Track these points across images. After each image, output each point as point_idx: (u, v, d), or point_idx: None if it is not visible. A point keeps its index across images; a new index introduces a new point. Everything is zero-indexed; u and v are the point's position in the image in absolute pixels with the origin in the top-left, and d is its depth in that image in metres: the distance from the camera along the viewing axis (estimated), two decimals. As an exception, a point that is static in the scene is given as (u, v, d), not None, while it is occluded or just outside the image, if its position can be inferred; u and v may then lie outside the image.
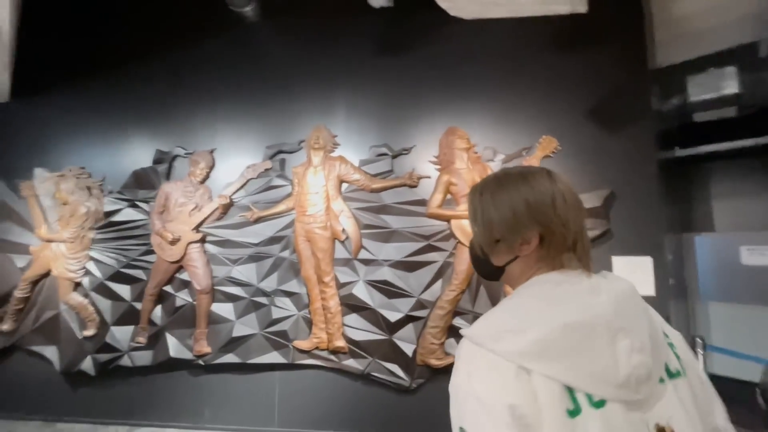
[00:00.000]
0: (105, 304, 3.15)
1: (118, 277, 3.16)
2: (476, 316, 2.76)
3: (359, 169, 3.01)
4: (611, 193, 2.72)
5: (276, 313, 2.96)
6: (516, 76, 2.96)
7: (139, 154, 3.31)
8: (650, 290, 2.68)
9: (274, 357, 2.92)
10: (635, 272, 2.70)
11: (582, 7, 2.88)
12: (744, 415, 3.00)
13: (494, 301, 2.78)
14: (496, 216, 0.73)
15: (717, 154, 4.39)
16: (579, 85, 2.90)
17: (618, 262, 2.73)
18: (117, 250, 3.19)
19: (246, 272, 3.03)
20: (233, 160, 3.19)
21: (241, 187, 3.12)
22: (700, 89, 3.74)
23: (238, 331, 2.97)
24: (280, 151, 3.14)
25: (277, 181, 3.10)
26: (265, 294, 2.99)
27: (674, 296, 3.06)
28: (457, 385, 0.62)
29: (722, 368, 3.21)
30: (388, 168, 2.99)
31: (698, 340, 2.70)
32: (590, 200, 2.73)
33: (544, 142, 2.85)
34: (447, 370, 2.75)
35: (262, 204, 3.08)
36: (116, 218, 3.22)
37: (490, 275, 0.81)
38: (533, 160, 2.84)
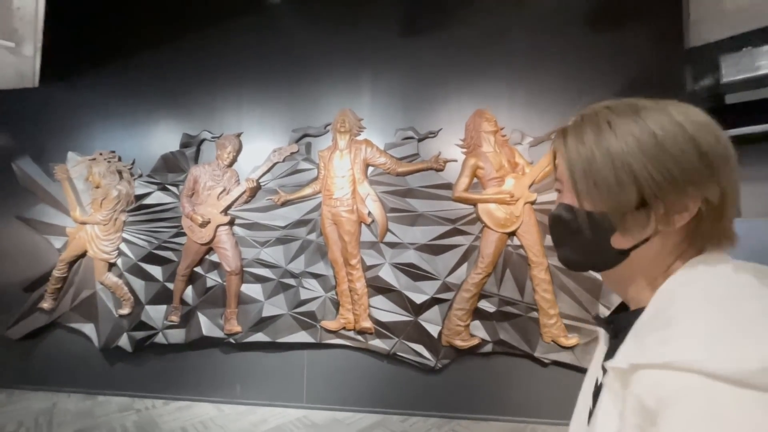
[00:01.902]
0: (139, 284, 3.27)
1: (151, 258, 3.26)
2: (502, 300, 2.80)
3: (385, 152, 3.01)
4: (642, 177, 2.68)
5: (304, 294, 3.03)
6: (545, 57, 2.90)
7: (167, 138, 3.36)
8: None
9: (302, 336, 3.01)
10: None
11: (616, -16, 2.79)
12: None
13: (520, 286, 2.80)
14: (643, 167, 0.45)
15: (751, 137, 4.26)
16: (610, 65, 2.83)
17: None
18: (149, 232, 3.28)
19: (274, 254, 3.09)
20: (259, 144, 3.23)
21: (268, 170, 3.16)
22: (735, 69, 3.62)
23: (268, 311, 3.06)
24: (306, 135, 3.15)
25: (304, 165, 3.13)
26: (293, 275, 3.06)
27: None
28: None
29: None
30: (414, 151, 2.99)
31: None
32: (620, 184, 2.70)
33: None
34: (472, 351, 2.81)
35: (289, 187, 3.12)
36: (147, 201, 3.30)
37: (597, 264, 0.52)
38: (562, 144, 2.79)
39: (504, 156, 2.85)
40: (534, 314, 2.76)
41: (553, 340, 2.72)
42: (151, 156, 3.36)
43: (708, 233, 0.46)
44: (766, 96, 4.09)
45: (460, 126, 2.96)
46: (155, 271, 3.26)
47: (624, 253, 0.49)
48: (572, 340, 2.69)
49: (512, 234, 2.81)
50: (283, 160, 3.14)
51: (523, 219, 2.78)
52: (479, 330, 2.83)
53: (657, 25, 2.79)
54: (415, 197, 2.96)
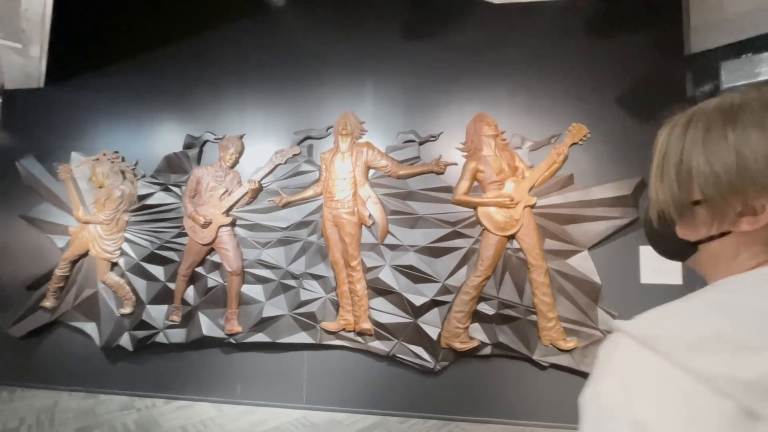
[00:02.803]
0: (140, 283, 3.29)
1: (153, 258, 3.28)
2: (501, 303, 2.81)
3: (386, 155, 3.04)
4: (641, 182, 2.71)
5: (304, 295, 3.05)
6: (546, 62, 2.93)
7: (170, 139, 3.39)
8: (678, 280, 2.68)
9: (302, 337, 3.03)
10: (665, 262, 2.68)
11: (617, -9, 2.82)
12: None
13: (520, 289, 2.82)
14: (705, 162, 0.46)
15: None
16: (610, 71, 2.85)
17: (646, 251, 2.72)
18: (151, 232, 3.31)
19: (275, 255, 3.12)
20: (262, 146, 3.25)
21: (270, 172, 3.18)
22: (735, 75, 3.63)
23: (268, 311, 3.08)
24: (308, 137, 3.18)
25: (305, 167, 3.15)
26: (293, 276, 3.08)
27: (700, 285, 3.03)
28: (600, 397, 0.38)
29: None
30: (415, 154, 3.02)
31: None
32: (620, 188, 2.72)
33: (573, 130, 2.83)
34: (471, 354, 2.82)
35: (291, 189, 3.15)
36: (149, 201, 3.33)
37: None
38: (562, 148, 2.82)
39: (504, 160, 2.87)
40: (533, 317, 2.78)
41: (551, 343, 2.73)
42: (155, 157, 3.39)
43: None
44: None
45: (460, 130, 2.98)
46: (157, 270, 3.28)
47: (690, 247, 0.51)
48: (571, 343, 2.71)
49: (512, 237, 2.83)
50: (285, 162, 3.17)
51: (523, 222, 2.80)
52: (478, 332, 2.85)
53: (657, 32, 2.82)
54: (416, 200, 2.98)
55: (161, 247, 3.28)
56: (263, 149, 3.24)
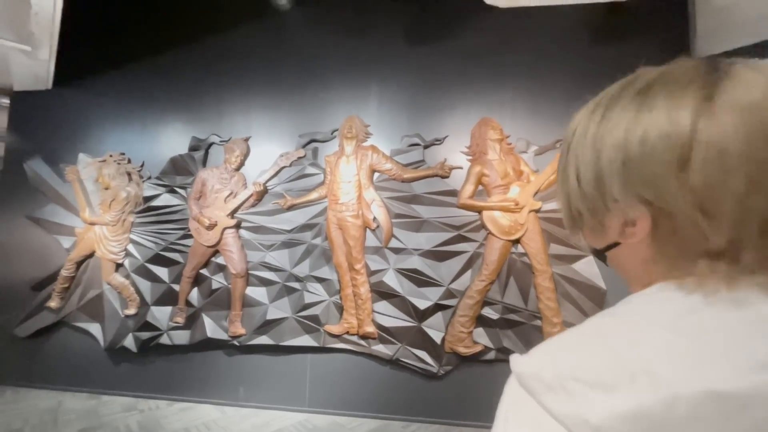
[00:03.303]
0: (145, 285, 3.30)
1: (158, 259, 3.30)
2: (505, 307, 2.80)
3: (391, 158, 3.04)
4: (647, 187, 2.69)
5: (308, 298, 3.05)
6: (551, 66, 2.93)
7: (176, 141, 3.42)
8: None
9: (305, 340, 3.03)
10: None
11: (622, -4, 2.82)
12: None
13: (524, 293, 2.81)
14: (580, 165, 0.40)
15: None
16: (616, 76, 2.83)
17: (651, 256, 2.71)
18: (156, 234, 3.32)
19: (279, 258, 3.12)
20: (267, 148, 3.27)
21: (275, 174, 3.20)
22: (740, 81, 3.60)
23: (272, 314, 3.08)
24: (313, 140, 3.19)
25: (310, 170, 3.16)
26: (297, 279, 3.08)
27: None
28: None
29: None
30: (420, 158, 3.02)
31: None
32: (625, 193, 2.71)
33: (579, 134, 2.82)
34: (475, 358, 2.81)
35: (295, 192, 3.16)
36: (155, 203, 3.34)
37: (593, 253, 0.47)
38: (567, 152, 2.81)
39: (509, 164, 2.87)
40: (537, 322, 2.76)
41: (556, 349, 2.71)
42: (160, 158, 3.41)
43: (674, 259, 0.37)
44: None
45: (465, 133, 2.99)
46: (161, 272, 3.29)
47: (599, 253, 0.45)
48: (575, 348, 2.68)
49: (517, 241, 2.82)
50: (290, 165, 3.18)
51: (528, 227, 2.79)
52: (482, 337, 2.84)
53: (664, 36, 2.82)
54: (421, 203, 2.98)
55: (166, 249, 3.29)
56: (268, 152, 3.25)
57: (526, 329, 2.78)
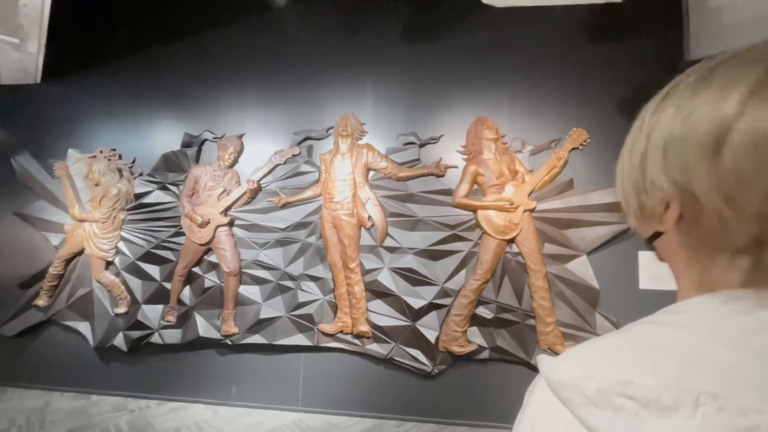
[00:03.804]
0: (136, 283, 3.25)
1: (149, 257, 3.25)
2: (500, 306, 2.81)
3: (386, 157, 3.03)
4: (641, 188, 2.70)
5: (302, 297, 3.03)
6: (547, 67, 2.93)
7: (168, 137, 3.37)
8: (674, 286, 2.68)
9: (299, 339, 3.00)
10: (661, 267, 2.68)
11: (618, -3, 2.83)
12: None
13: (518, 293, 2.81)
14: (634, 145, 0.40)
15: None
16: (611, 77, 2.86)
17: (644, 257, 2.73)
18: (147, 231, 3.27)
19: (273, 256, 3.09)
20: (261, 146, 3.23)
21: (269, 172, 3.16)
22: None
23: (265, 313, 3.05)
24: (308, 138, 3.16)
25: (305, 168, 3.14)
26: (291, 278, 3.06)
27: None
28: None
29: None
30: (415, 157, 3.01)
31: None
32: (619, 194, 2.72)
33: (573, 135, 2.83)
34: (469, 357, 2.81)
35: (290, 190, 3.13)
36: (147, 200, 3.29)
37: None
38: (562, 153, 2.83)
39: (504, 163, 2.87)
40: (531, 321, 2.77)
41: (549, 348, 2.73)
42: (152, 155, 3.36)
43: (697, 252, 0.35)
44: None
45: (461, 132, 2.98)
46: (153, 270, 3.25)
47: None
48: (568, 347, 2.69)
49: (511, 241, 2.82)
50: (285, 163, 3.15)
51: (522, 226, 2.79)
52: (476, 336, 2.84)
53: (659, 38, 2.83)
54: (416, 202, 2.97)
55: (158, 247, 3.24)
56: (262, 149, 3.22)
57: (519, 328, 2.79)
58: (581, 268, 2.76)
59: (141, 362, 3.23)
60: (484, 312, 2.83)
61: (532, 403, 0.34)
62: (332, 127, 3.13)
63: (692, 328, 0.31)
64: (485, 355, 2.81)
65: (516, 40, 2.99)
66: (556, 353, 2.71)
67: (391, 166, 3.00)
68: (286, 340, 3.02)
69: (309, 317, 3.01)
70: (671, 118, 0.35)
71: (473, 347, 2.80)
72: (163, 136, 3.39)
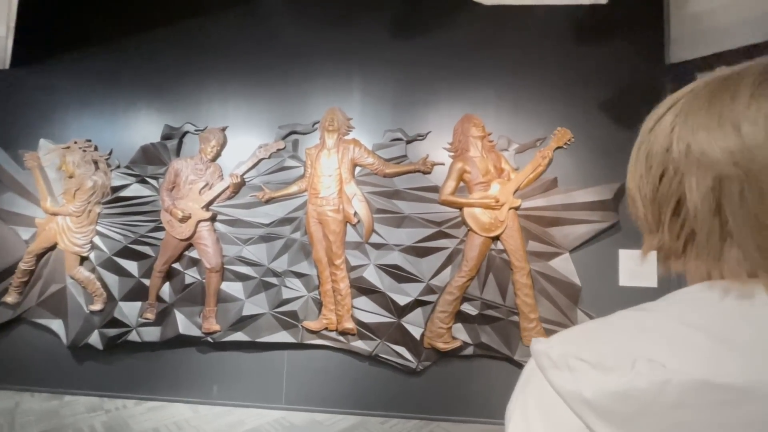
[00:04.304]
0: (112, 279, 3.14)
1: (126, 252, 3.14)
2: (484, 303, 2.83)
3: (373, 153, 3.00)
4: (622, 187, 2.77)
5: (286, 294, 2.98)
6: (533, 66, 2.96)
7: (147, 129, 3.25)
8: (653, 282, 2.76)
9: (283, 336, 2.96)
10: (641, 265, 2.76)
11: (603, -1, 2.87)
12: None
13: (503, 290, 2.84)
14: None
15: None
16: (595, 78, 2.90)
17: (624, 254, 2.79)
18: (125, 226, 3.16)
19: (256, 252, 3.03)
20: (245, 139, 3.16)
21: (253, 166, 3.10)
22: (708, 87, 3.77)
23: (248, 310, 2.99)
24: (293, 132, 3.11)
25: (290, 162, 3.08)
26: (275, 274, 3.01)
27: (672, 288, 3.13)
28: (510, 412, 0.38)
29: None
30: (402, 153, 2.99)
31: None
32: (601, 193, 2.78)
33: (558, 134, 2.87)
34: (453, 354, 2.83)
35: (274, 184, 3.07)
36: (124, 193, 3.18)
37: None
38: (546, 152, 2.86)
39: (490, 161, 2.89)
40: (515, 318, 2.80)
41: (532, 344, 2.76)
42: (130, 147, 3.24)
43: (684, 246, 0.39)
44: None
45: (448, 130, 2.98)
46: (130, 266, 3.14)
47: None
48: (551, 344, 2.74)
49: (496, 238, 2.84)
50: (269, 157, 3.09)
51: (508, 224, 2.82)
52: (461, 333, 2.86)
53: (641, 41, 2.89)
54: (402, 199, 2.96)
55: (136, 242, 3.14)
56: (246, 143, 3.15)
57: (503, 325, 2.82)
58: (564, 265, 2.81)
59: (118, 361, 3.13)
60: (468, 309, 2.85)
61: (523, 371, 0.40)
62: (318, 122, 3.08)
63: (661, 311, 0.36)
64: (469, 351, 2.84)
65: (503, 38, 3.00)
66: (538, 349, 2.75)
67: (377, 162, 2.97)
68: (269, 337, 2.97)
69: (293, 314, 2.97)
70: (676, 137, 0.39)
71: (458, 344, 2.82)
72: (142, 128, 3.27)
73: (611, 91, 2.89)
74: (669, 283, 2.77)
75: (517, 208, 2.83)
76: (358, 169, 3.02)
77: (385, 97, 3.07)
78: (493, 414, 2.80)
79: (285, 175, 3.08)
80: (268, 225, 3.04)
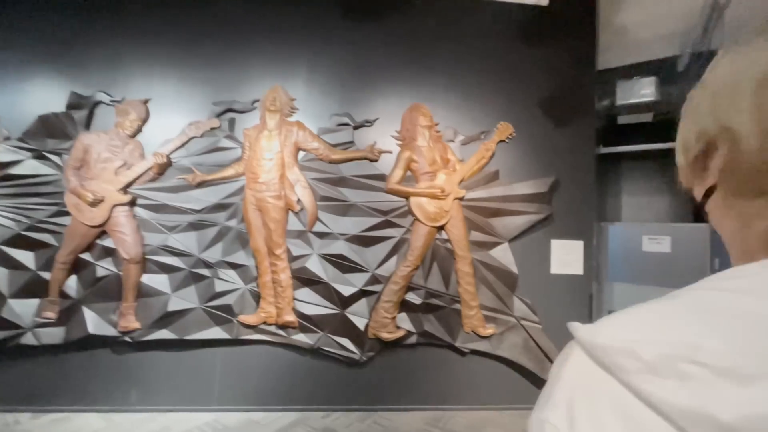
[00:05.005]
0: (1, 272, 2.63)
1: (19, 241, 2.64)
2: (428, 292, 2.85)
3: (318, 137, 2.85)
4: (556, 181, 2.95)
5: (219, 286, 2.74)
6: (481, 60, 3.01)
7: (47, 96, 2.75)
8: (579, 270, 2.99)
9: (215, 332, 2.72)
10: (569, 254, 2.99)
11: (544, 1, 3.01)
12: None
13: (446, 278, 2.89)
14: (696, 100, 0.38)
15: (630, 154, 5.03)
16: (535, 76, 3.04)
17: (556, 244, 2.99)
18: (17, 209, 2.65)
19: (185, 241, 2.74)
20: (172, 115, 2.82)
21: (182, 145, 2.78)
22: (626, 94, 4.19)
23: (175, 305, 2.70)
24: (230, 110, 2.84)
25: (226, 143, 2.81)
26: (207, 265, 2.74)
27: (595, 277, 3.44)
28: (543, 426, 0.29)
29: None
30: (349, 139, 2.89)
31: (611, 313, 3.10)
32: (538, 186, 2.93)
33: (501, 128, 2.96)
34: (397, 344, 2.82)
35: (206, 167, 2.78)
36: (16, 170, 2.66)
37: (700, 207, 0.39)
38: (490, 144, 2.94)
39: (437, 151, 2.90)
40: (457, 306, 2.87)
41: (472, 330, 2.86)
42: (25, 116, 2.71)
43: (735, 193, 0.34)
44: (647, 120, 4.82)
45: (396, 118, 2.93)
46: (25, 257, 2.65)
47: (702, 204, 0.38)
48: (489, 329, 2.86)
49: (441, 228, 2.87)
50: (201, 136, 2.79)
51: (452, 214, 2.86)
52: (405, 322, 2.86)
53: (575, 46, 3.08)
54: (348, 186, 2.86)
55: (31, 228, 2.65)
56: (174, 119, 2.81)
57: (446, 313, 2.87)
58: (502, 254, 2.93)
59: (8, 368, 2.64)
60: (413, 298, 2.86)
61: (567, 372, 0.30)
62: (258, 100, 2.85)
63: (755, 293, 0.27)
64: (413, 340, 2.85)
65: (454, 30, 3.02)
66: (478, 335, 2.86)
67: (323, 147, 2.83)
68: (199, 334, 2.71)
69: (227, 308, 2.74)
70: (724, 67, 0.35)
71: (402, 333, 2.81)
72: (41, 94, 2.76)
73: (548, 91, 3.05)
74: (590, 271, 3.03)
75: (461, 199, 2.88)
76: (302, 153, 2.86)
77: (333, 79, 2.92)
78: (434, 400, 2.85)
79: (219, 156, 2.81)
80: (199, 211, 2.75)
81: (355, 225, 2.83)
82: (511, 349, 2.88)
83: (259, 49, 2.88)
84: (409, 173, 2.90)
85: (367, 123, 2.91)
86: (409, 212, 2.86)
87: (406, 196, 2.86)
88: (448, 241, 2.89)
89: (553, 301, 2.92)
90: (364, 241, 2.84)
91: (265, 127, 2.80)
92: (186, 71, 2.84)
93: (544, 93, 3.04)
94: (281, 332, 2.77)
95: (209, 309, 2.72)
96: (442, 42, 2.99)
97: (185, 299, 2.72)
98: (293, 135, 2.81)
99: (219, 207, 2.77)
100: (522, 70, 3.03)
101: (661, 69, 3.97)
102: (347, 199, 2.84)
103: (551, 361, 2.86)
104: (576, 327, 0.31)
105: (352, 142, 2.89)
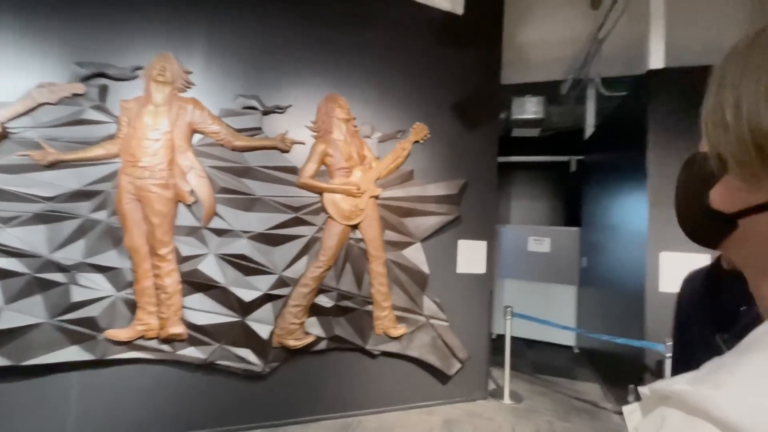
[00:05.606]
0: None
1: None
2: (340, 294, 2.71)
3: (219, 119, 2.48)
4: (465, 183, 3.08)
5: (79, 295, 2.17)
6: (400, 58, 2.99)
7: None
8: (483, 269, 3.18)
9: (72, 353, 2.15)
10: (474, 254, 3.15)
11: (459, 9, 3.13)
12: (525, 366, 3.97)
13: (359, 279, 2.78)
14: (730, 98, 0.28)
15: (521, 164, 5.65)
16: (448, 81, 3.14)
17: (462, 244, 3.12)
18: None
19: (28, 237, 2.10)
20: (13, 73, 2.14)
21: (27, 112, 2.12)
22: (518, 110, 4.67)
23: (9, 321, 2.05)
24: (101, 74, 2.27)
25: (93, 115, 2.25)
26: (61, 269, 2.15)
27: (493, 275, 3.71)
28: None
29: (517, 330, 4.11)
30: (257, 125, 2.58)
31: (508, 308, 3.38)
32: (449, 188, 3.02)
33: (416, 128, 2.98)
34: (304, 351, 2.61)
35: (64, 143, 2.18)
36: None
37: (696, 228, 0.35)
38: (406, 144, 2.93)
39: (354, 147, 2.78)
40: (369, 307, 2.78)
41: (384, 332, 2.80)
42: None
43: None
44: (532, 135, 5.45)
45: (310, 107, 2.73)
46: None
47: (729, 221, 0.30)
48: (400, 330, 2.84)
49: (355, 227, 2.76)
50: (57, 103, 2.18)
51: (367, 213, 2.77)
52: (315, 327, 2.66)
53: (483, 58, 3.26)
54: (254, 178, 2.55)
55: None
56: (14, 78, 2.14)
57: (358, 315, 2.76)
58: (415, 254, 2.94)
59: None
60: (324, 301, 2.68)
61: None
62: (142, 68, 2.34)
63: None
64: (323, 345, 2.68)
65: (377, 22, 2.93)
66: (389, 336, 2.81)
67: (225, 131, 2.47)
68: (47, 357, 2.11)
69: (90, 322, 2.19)
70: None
71: (311, 339, 2.62)
72: None
73: (459, 97, 3.17)
74: (491, 269, 3.24)
75: (377, 197, 2.81)
76: (198, 137, 2.45)
77: (239, 55, 2.57)
78: (343, 407, 2.72)
79: (83, 131, 2.23)
80: (50, 199, 2.14)
81: (260, 222, 2.54)
82: (420, 348, 2.91)
83: (144, 5, 2.37)
84: (323, 168, 2.72)
85: (279, 109, 2.63)
86: (323, 209, 2.68)
87: (320, 192, 2.67)
88: (361, 240, 2.79)
89: (458, 298, 3.04)
90: (270, 239, 2.56)
91: (150, 101, 2.32)
92: (36, 20, 2.18)
93: (456, 98, 3.15)
94: (165, 347, 2.33)
95: (62, 324, 2.14)
96: (363, 32, 2.87)
97: (26, 313, 2.08)
98: (187, 114, 2.39)
99: (81, 195, 2.20)
100: (437, 73, 3.09)
101: (548, 90, 4.52)
102: (252, 193, 2.53)
103: (457, 358, 2.98)
104: (690, 394, 0.21)
105: (260, 129, 2.58)
